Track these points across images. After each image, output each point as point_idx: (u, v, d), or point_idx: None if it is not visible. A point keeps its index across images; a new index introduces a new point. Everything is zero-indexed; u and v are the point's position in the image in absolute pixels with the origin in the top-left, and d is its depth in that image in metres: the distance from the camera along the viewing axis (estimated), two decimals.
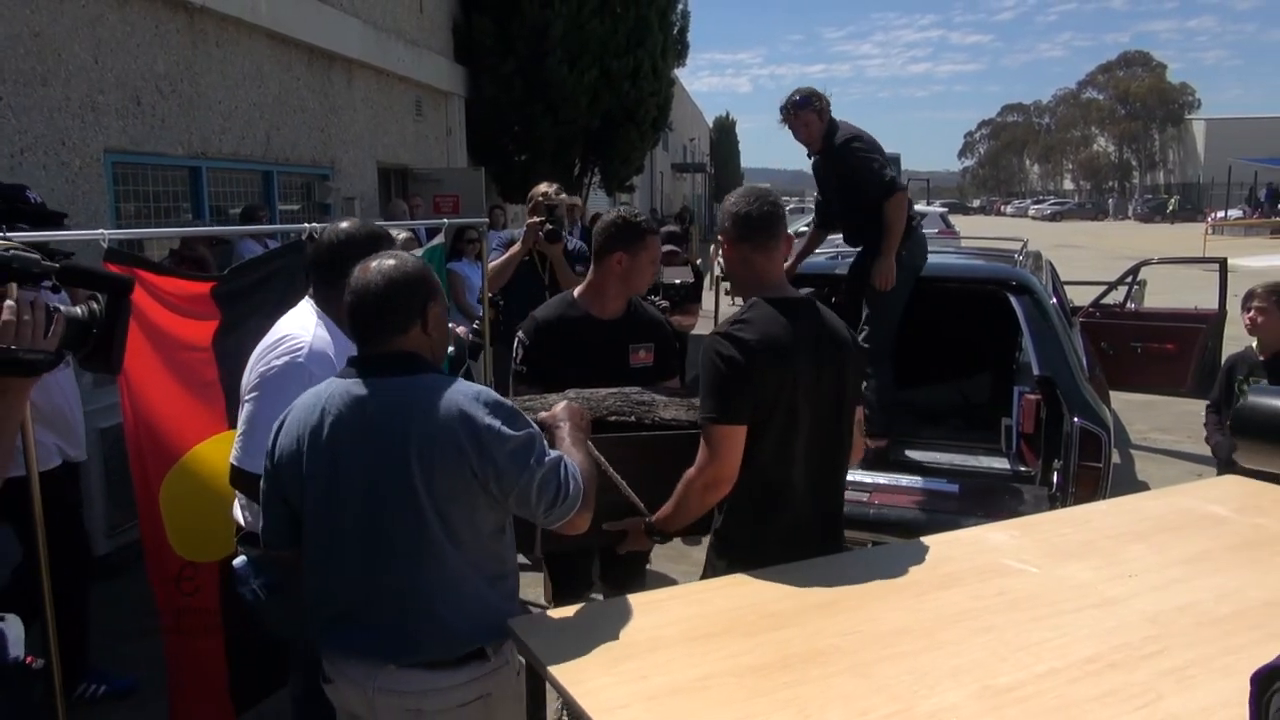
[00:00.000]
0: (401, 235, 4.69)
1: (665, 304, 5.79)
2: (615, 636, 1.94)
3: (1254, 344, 4.16)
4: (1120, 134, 69.16)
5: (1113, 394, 6.89)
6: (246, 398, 2.34)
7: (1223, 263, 6.97)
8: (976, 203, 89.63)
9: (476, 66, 13.03)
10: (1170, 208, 45.66)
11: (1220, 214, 38.50)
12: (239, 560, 2.41)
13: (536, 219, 4.55)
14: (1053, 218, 57.36)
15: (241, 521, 2.49)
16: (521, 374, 3.00)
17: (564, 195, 5.15)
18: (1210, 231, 29.78)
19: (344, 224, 2.47)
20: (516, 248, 4.60)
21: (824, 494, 2.43)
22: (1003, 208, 76.37)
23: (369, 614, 1.96)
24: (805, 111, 4.40)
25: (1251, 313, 4.09)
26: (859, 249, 4.63)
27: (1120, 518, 2.68)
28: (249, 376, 2.37)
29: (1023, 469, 4.47)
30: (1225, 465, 3.81)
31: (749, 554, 2.31)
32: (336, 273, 2.21)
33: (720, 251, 2.58)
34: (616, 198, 21.47)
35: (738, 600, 2.13)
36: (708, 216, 41.12)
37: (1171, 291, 11.46)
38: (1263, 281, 4.13)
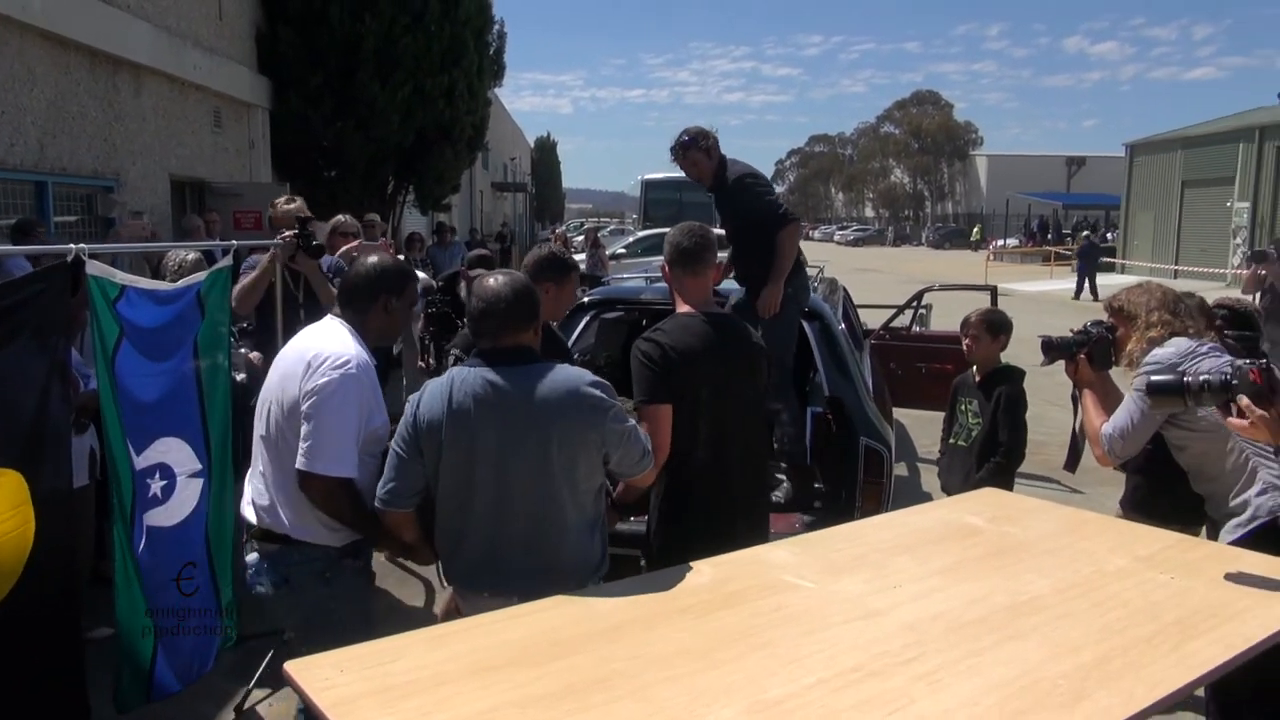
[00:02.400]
0: (190, 256, 4.43)
1: None
2: (398, 674, 1.91)
3: (973, 368, 4.36)
4: (914, 166, 74.34)
5: (904, 411, 7.40)
6: (304, 409, 2.57)
7: (993, 290, 7.63)
8: None
9: (282, 79, 12.53)
10: (974, 236, 49.21)
11: (1000, 242, 42.04)
12: (251, 557, 2.69)
13: (289, 233, 4.34)
14: (855, 243, 60.89)
15: (253, 519, 2.71)
16: None
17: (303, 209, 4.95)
18: (991, 258, 32.41)
19: (373, 259, 2.83)
20: (266, 264, 4.36)
21: (743, 474, 3.02)
22: (811, 232, 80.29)
23: (499, 557, 2.45)
24: (692, 151, 4.49)
25: (967, 340, 4.29)
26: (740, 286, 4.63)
27: (890, 531, 2.88)
28: (286, 390, 2.62)
29: (816, 486, 4.71)
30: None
31: (687, 524, 2.90)
32: (369, 299, 2.74)
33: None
34: (432, 216, 21.12)
35: (526, 629, 2.14)
36: (529, 236, 41.08)
37: (957, 314, 12.39)
38: (976, 311, 4.34)
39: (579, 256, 19.93)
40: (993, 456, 4.04)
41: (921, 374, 7.45)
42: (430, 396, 2.51)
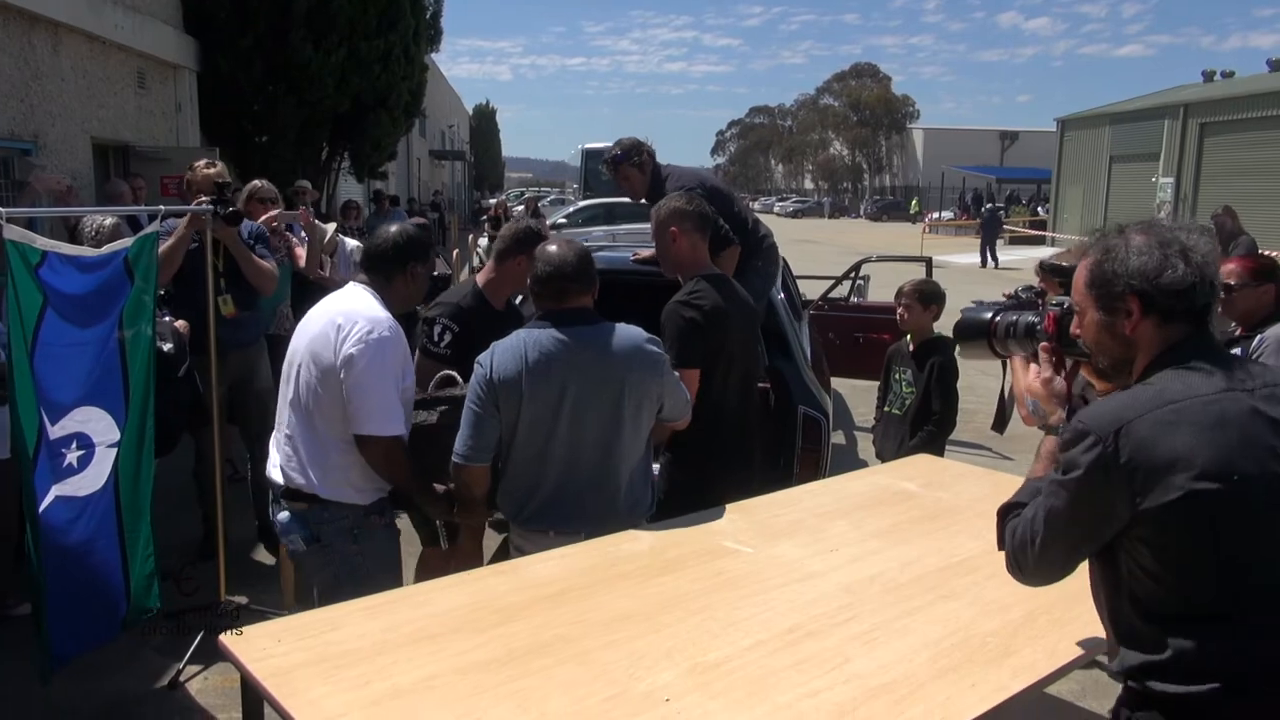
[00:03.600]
0: (109, 221, 4.28)
1: None
2: (336, 644, 1.89)
3: (908, 337, 4.45)
4: (853, 139, 74.92)
5: (842, 380, 7.51)
6: (349, 376, 2.65)
7: (928, 261, 7.76)
8: None
9: (210, 39, 12.11)
10: (914, 209, 49.66)
11: (936, 215, 42.71)
12: (283, 515, 2.78)
13: (205, 198, 4.18)
14: (795, 215, 61.32)
15: (280, 479, 2.77)
16: (443, 356, 3.28)
17: (223, 174, 4.82)
18: (927, 231, 32.92)
19: (394, 228, 2.95)
20: (182, 230, 4.21)
21: (755, 422, 3.43)
22: (751, 204, 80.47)
23: (568, 500, 2.67)
24: (624, 166, 4.41)
25: (901, 310, 4.37)
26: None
27: (827, 497, 2.93)
28: (318, 355, 2.69)
29: None
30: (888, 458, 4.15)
31: (704, 466, 3.14)
32: (399, 265, 2.85)
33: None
34: (369, 184, 20.74)
35: (469, 597, 2.14)
36: (468, 205, 40.59)
37: (894, 285, 12.58)
38: (910, 281, 4.43)
39: None
40: (925, 425, 4.13)
41: (859, 344, 7.56)
42: (503, 357, 2.71)
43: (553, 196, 43.24)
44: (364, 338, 2.65)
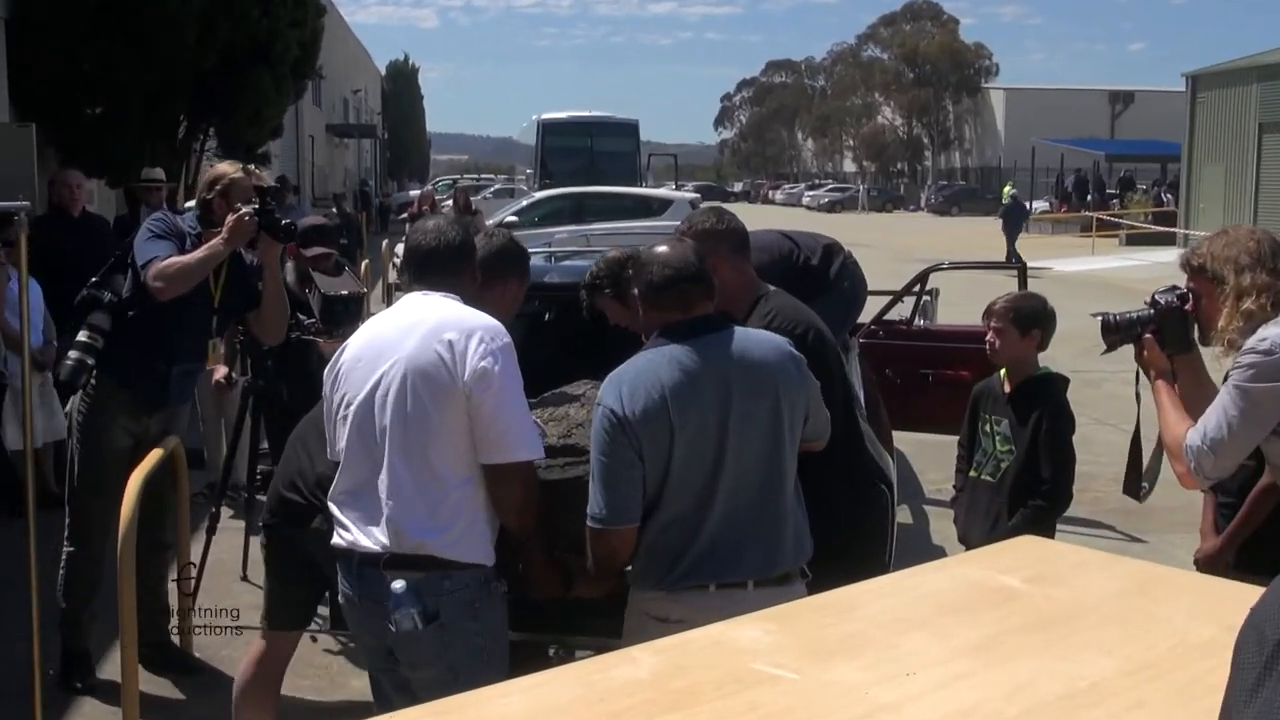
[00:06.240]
0: None
1: (313, 323, 5.64)
2: None
3: (1001, 372, 4.48)
4: (909, 104, 75.97)
5: (904, 434, 7.50)
6: (475, 395, 3.02)
7: (1021, 269, 7.82)
8: (739, 186, 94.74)
9: None
10: (1006, 197, 48.66)
11: (1025, 206, 43.14)
12: (397, 585, 2.99)
13: (247, 209, 4.51)
14: (831, 208, 61.91)
15: (385, 540, 3.05)
16: None
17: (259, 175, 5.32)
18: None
19: (482, 238, 3.56)
20: (219, 243, 4.47)
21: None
22: (771, 193, 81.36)
23: (727, 542, 3.02)
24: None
25: (991, 335, 4.40)
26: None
27: (896, 599, 2.90)
28: (428, 377, 3.04)
29: None
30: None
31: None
32: (489, 275, 3.43)
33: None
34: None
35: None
36: (379, 198, 40.67)
37: (972, 303, 12.62)
38: (1004, 296, 4.49)
39: None
40: (1031, 497, 4.11)
41: (928, 383, 7.58)
42: (635, 387, 3.00)
43: (497, 186, 43.46)
44: (492, 347, 3.05)
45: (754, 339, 3.17)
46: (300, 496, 3.69)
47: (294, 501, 3.71)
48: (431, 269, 3.25)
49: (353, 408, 3.14)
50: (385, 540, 3.04)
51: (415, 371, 3.03)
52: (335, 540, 3.21)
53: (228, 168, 5.04)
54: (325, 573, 3.68)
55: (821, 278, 5.13)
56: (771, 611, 2.85)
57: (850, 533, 4.01)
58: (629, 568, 3.19)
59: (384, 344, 3.13)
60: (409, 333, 3.10)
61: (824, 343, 3.68)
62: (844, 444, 4.19)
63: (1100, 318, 3.34)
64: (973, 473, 4.43)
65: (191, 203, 5.50)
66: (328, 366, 3.39)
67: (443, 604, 3.00)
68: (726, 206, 4.57)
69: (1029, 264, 9.09)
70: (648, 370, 3.01)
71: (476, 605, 3.05)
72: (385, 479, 3.05)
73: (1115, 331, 3.29)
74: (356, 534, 3.10)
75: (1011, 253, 25.78)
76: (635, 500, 3.01)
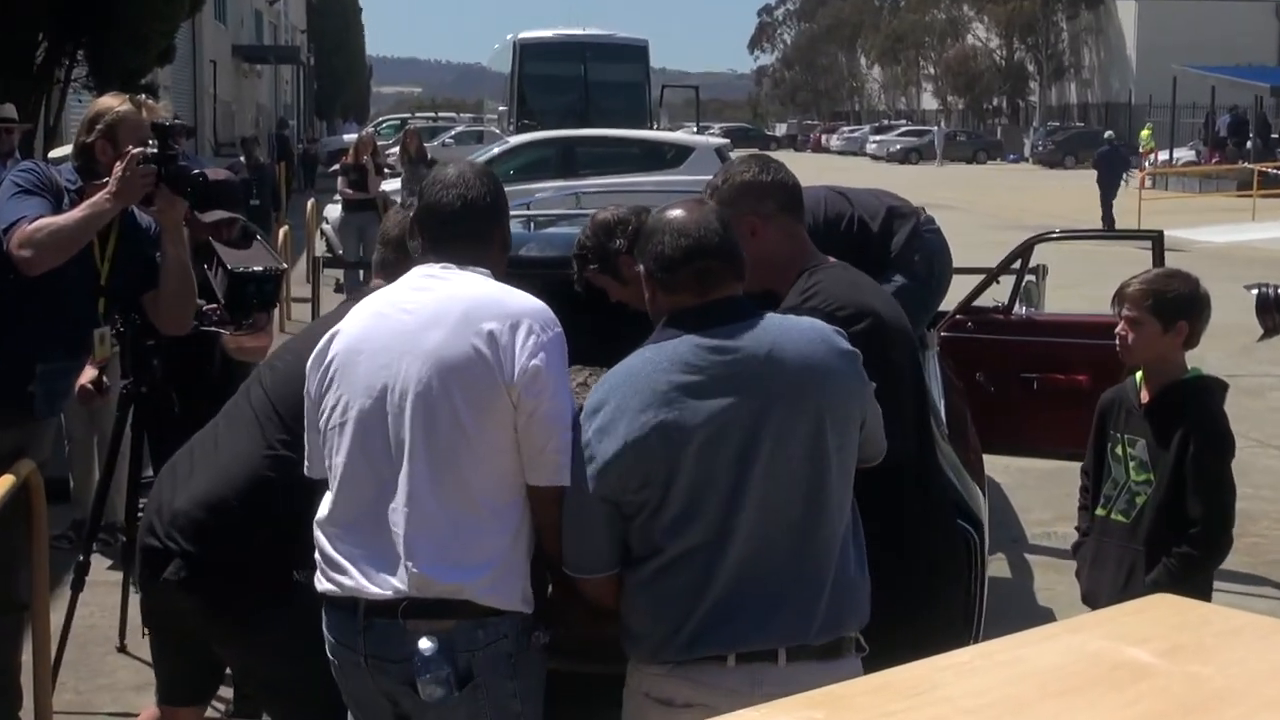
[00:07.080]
0: None
1: (215, 310, 5.63)
2: None
3: (1137, 376, 4.49)
4: (1008, 19, 75.98)
5: (997, 460, 7.46)
6: (525, 401, 3.09)
7: (1157, 239, 7.77)
8: (782, 129, 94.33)
9: None
10: (1145, 143, 47.18)
11: (1163, 156, 43.05)
12: (426, 645, 3.06)
13: (138, 150, 4.46)
14: (905, 158, 61.82)
15: (402, 586, 3.07)
16: None
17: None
18: (1146, 184, 33.21)
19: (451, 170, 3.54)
20: (104, 199, 4.42)
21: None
22: (825, 138, 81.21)
23: (763, 595, 3.01)
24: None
25: (1122, 327, 4.37)
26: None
27: (986, 679, 2.86)
28: (466, 379, 3.11)
29: None
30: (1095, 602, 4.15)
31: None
32: (496, 224, 3.46)
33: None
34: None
35: None
36: (301, 142, 40.75)
37: (1088, 284, 12.55)
38: (1141, 275, 4.49)
39: (393, 184, 19.74)
40: (1176, 543, 4.09)
41: (1033, 392, 7.56)
42: (616, 406, 3.03)
43: (460, 129, 43.56)
44: (543, 340, 3.12)
45: (793, 329, 3.12)
46: (156, 539, 3.65)
47: (148, 547, 3.69)
48: (455, 235, 3.29)
49: (353, 414, 3.15)
50: (401, 584, 3.05)
51: (445, 370, 3.07)
52: (324, 586, 3.19)
53: (112, 100, 5.03)
54: (200, 636, 3.72)
55: (882, 249, 5.10)
56: (816, 695, 2.82)
57: (923, 589, 3.99)
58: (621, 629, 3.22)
59: (393, 333, 3.15)
60: (433, 320, 3.13)
61: (884, 332, 3.61)
62: (915, 470, 4.13)
63: (1256, 291, 3.30)
64: (1100, 510, 4.41)
65: (58, 151, 5.50)
66: (311, 359, 3.34)
67: (476, 660, 3.06)
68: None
69: (1164, 231, 9.02)
70: (638, 378, 3.02)
71: (514, 659, 3.11)
72: (403, 505, 3.07)
73: (1277, 309, 3.25)
74: (359, 578, 3.09)
75: (1108, 216, 26.40)
76: (602, 545, 3.06)
